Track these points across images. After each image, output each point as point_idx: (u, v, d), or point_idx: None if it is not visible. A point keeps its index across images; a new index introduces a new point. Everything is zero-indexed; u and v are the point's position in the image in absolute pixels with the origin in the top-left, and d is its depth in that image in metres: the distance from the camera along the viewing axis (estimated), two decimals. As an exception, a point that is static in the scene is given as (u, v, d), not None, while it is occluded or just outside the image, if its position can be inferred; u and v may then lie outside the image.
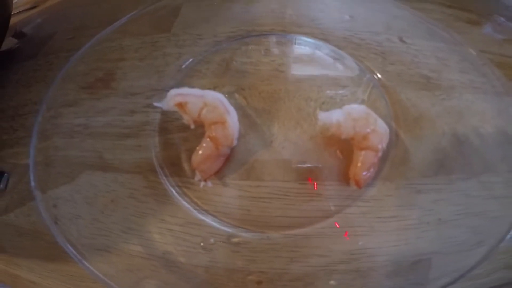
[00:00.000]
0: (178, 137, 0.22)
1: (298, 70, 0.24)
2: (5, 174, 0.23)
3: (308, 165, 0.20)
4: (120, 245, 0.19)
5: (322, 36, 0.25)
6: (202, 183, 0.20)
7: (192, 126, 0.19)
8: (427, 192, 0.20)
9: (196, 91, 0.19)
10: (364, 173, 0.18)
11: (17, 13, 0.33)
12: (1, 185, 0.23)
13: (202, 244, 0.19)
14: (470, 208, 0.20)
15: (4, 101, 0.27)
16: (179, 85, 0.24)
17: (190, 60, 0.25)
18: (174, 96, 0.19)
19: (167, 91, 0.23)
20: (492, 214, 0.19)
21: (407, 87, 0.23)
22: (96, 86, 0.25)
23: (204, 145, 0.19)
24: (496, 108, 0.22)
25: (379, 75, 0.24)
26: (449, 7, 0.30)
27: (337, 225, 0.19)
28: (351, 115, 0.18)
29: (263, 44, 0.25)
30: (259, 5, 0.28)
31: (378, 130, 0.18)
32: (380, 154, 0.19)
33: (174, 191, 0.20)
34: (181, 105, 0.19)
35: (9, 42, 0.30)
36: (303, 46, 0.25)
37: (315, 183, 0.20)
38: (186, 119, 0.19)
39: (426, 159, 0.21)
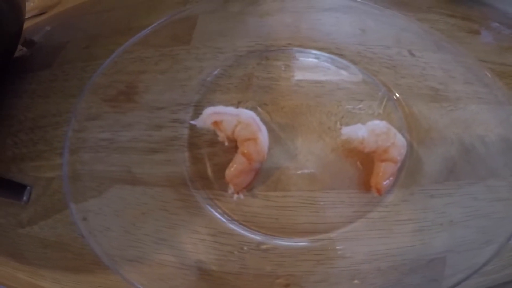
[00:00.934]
0: (206, 152, 0.23)
1: (317, 86, 0.25)
2: (28, 187, 0.23)
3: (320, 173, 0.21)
4: (152, 255, 0.20)
5: (338, 51, 0.26)
6: (236, 196, 0.21)
7: (226, 143, 0.20)
8: (439, 197, 0.22)
9: (231, 109, 0.20)
10: (384, 182, 0.20)
11: (25, 19, 0.33)
12: (24, 198, 0.23)
13: (235, 252, 0.20)
14: (478, 210, 0.21)
15: (21, 112, 0.26)
16: (203, 100, 0.25)
17: (213, 74, 0.25)
18: (211, 115, 0.20)
19: (193, 106, 0.24)
20: (498, 215, 0.21)
21: (418, 100, 0.25)
22: (119, 99, 0.25)
23: (237, 160, 0.20)
24: (498, 117, 0.24)
25: (392, 89, 0.25)
26: (451, 16, 0.31)
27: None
28: (374, 131, 0.20)
29: (283, 59, 0.26)
30: (273, 18, 0.28)
31: (397, 144, 0.20)
32: (399, 165, 0.20)
33: (206, 203, 0.21)
34: (216, 123, 0.20)
35: (19, 50, 0.30)
36: (320, 61, 0.26)
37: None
38: (221, 136, 0.20)
39: (437, 167, 0.22)
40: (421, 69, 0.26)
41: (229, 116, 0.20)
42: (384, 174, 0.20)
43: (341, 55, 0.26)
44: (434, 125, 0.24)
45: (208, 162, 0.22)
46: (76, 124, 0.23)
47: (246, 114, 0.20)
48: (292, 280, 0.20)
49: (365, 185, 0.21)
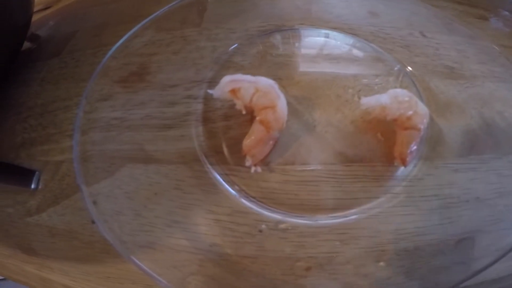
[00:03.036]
0: (221, 126, 0.22)
1: (332, 61, 0.25)
2: (36, 172, 0.23)
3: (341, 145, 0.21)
4: (164, 240, 0.19)
5: (351, 30, 0.26)
6: (253, 168, 0.20)
7: (244, 112, 0.20)
8: (463, 171, 0.21)
9: (249, 77, 0.19)
10: (409, 151, 0.19)
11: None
12: (33, 185, 0.22)
13: (253, 233, 0.19)
14: (504, 187, 0.20)
15: (30, 99, 0.26)
16: (217, 76, 0.24)
17: (226, 52, 0.25)
18: (229, 82, 0.19)
19: (206, 82, 0.24)
20: None
21: (434, 76, 0.24)
22: (131, 80, 0.24)
23: (255, 129, 0.19)
24: None
25: (407, 66, 0.25)
26: (460, 3, 0.31)
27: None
28: (397, 98, 0.19)
29: (296, 38, 0.26)
30: (284, 1, 0.29)
31: (420, 111, 0.19)
32: (422, 133, 0.20)
33: (221, 179, 0.20)
34: (234, 91, 0.19)
35: (24, 45, 0.29)
36: (334, 40, 0.26)
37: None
38: (238, 105, 0.19)
39: (459, 139, 0.22)
40: (434, 49, 0.26)
41: (247, 84, 0.19)
42: (408, 142, 0.19)
43: (354, 34, 0.26)
44: (453, 100, 0.23)
45: (223, 137, 0.22)
46: (87, 106, 0.23)
47: (265, 82, 0.19)
48: (314, 263, 0.19)
49: (388, 156, 0.20)
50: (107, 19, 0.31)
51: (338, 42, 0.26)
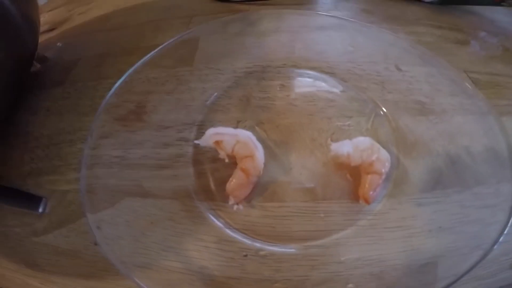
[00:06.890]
0: (209, 168, 0.24)
1: (310, 104, 0.27)
2: (43, 198, 0.24)
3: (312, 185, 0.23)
4: (160, 262, 0.21)
5: (329, 69, 0.28)
6: (235, 206, 0.23)
7: (227, 160, 0.23)
8: (427, 205, 0.22)
9: (230, 130, 0.22)
10: (371, 192, 0.22)
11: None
12: (40, 209, 0.24)
13: (237, 258, 0.21)
14: (466, 217, 0.22)
15: (37, 129, 0.28)
16: (206, 120, 0.26)
17: (214, 95, 0.27)
18: (212, 135, 0.22)
19: (196, 125, 0.26)
20: (486, 221, 0.21)
21: (404, 114, 0.26)
22: (129, 119, 0.26)
23: (237, 175, 0.22)
24: (482, 127, 0.25)
25: (380, 105, 0.26)
26: (439, 28, 0.32)
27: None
28: (358, 147, 0.22)
29: (278, 79, 0.28)
30: (270, 39, 0.30)
31: (381, 158, 0.22)
32: (384, 176, 0.22)
33: (209, 214, 0.23)
34: (217, 143, 0.22)
35: (33, 66, 0.30)
36: (312, 80, 0.28)
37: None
38: (222, 154, 0.22)
39: (423, 177, 0.23)
40: (407, 84, 0.27)
41: (228, 136, 0.22)
42: (370, 185, 0.22)
43: (332, 73, 0.28)
44: (420, 139, 0.25)
45: (211, 177, 0.24)
46: (91, 142, 0.24)
47: (244, 134, 0.22)
48: (290, 284, 0.21)
49: (355, 195, 0.23)
50: (107, 49, 0.32)
51: (317, 83, 0.28)
